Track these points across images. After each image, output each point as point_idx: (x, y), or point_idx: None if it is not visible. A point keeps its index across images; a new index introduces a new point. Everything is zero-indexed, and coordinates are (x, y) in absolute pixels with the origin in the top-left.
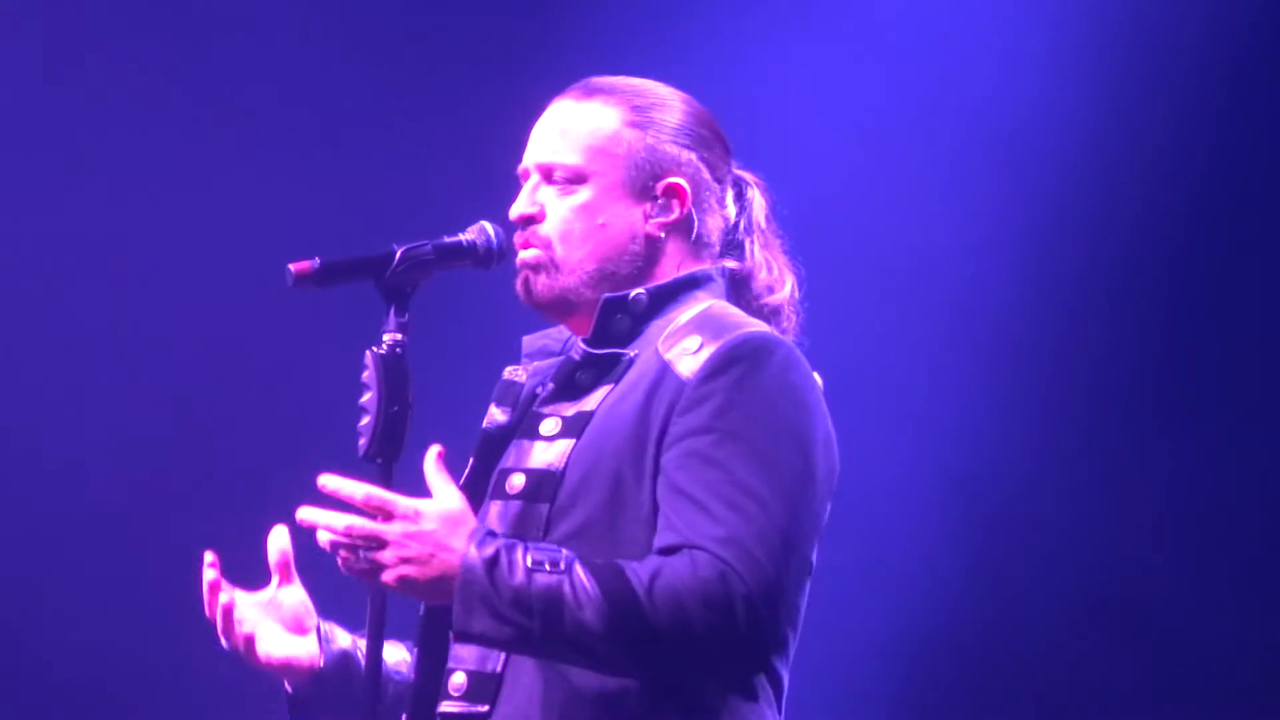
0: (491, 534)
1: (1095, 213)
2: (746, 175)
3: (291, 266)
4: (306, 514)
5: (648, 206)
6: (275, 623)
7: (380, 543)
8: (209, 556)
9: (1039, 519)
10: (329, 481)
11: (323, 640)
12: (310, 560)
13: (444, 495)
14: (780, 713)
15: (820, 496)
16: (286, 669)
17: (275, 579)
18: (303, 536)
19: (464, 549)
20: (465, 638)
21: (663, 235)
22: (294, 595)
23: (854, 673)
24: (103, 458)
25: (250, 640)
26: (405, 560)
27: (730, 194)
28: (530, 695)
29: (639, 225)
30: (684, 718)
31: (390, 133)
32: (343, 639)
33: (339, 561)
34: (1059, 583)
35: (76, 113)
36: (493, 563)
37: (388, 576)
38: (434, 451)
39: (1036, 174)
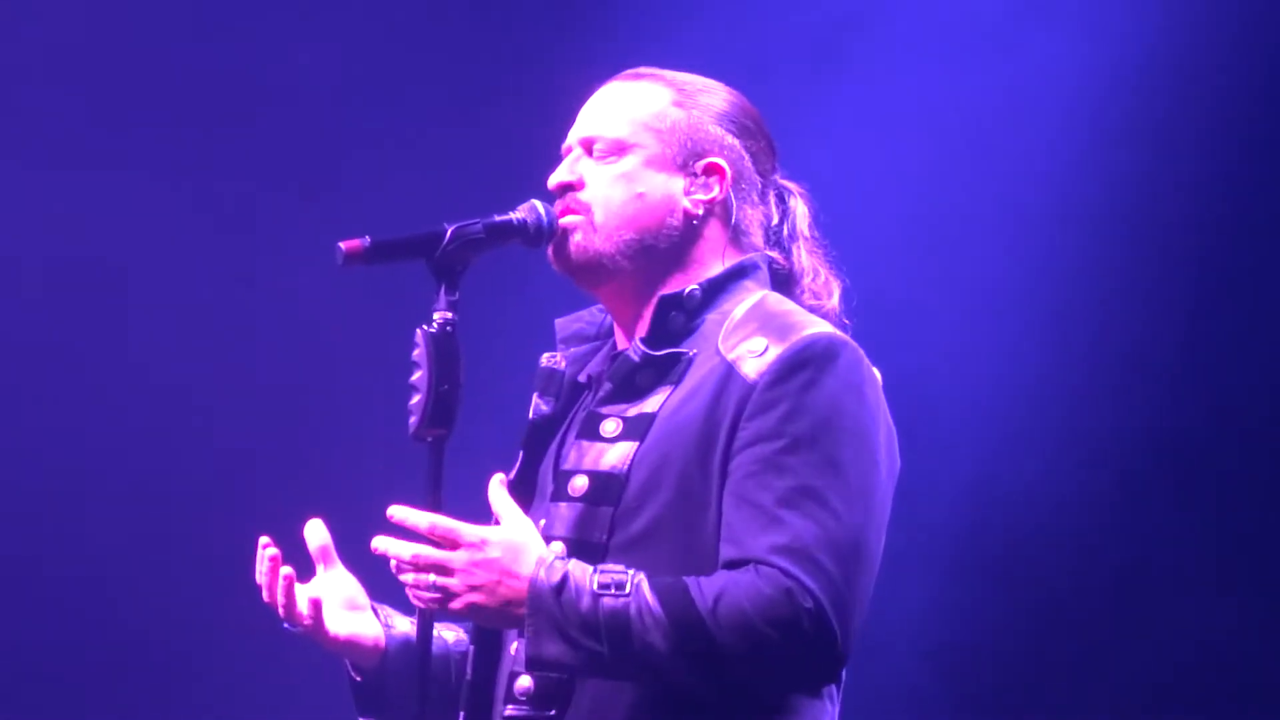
0: (560, 558)
1: (1130, 216)
2: (790, 185)
3: (342, 245)
4: (380, 543)
5: (686, 182)
6: (332, 604)
7: (447, 571)
8: (264, 539)
9: (1056, 519)
10: (397, 511)
11: (382, 623)
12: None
13: (511, 522)
14: (838, 702)
15: (885, 496)
16: (352, 646)
17: (320, 568)
18: (341, 527)
19: (531, 575)
20: (538, 663)
21: (700, 213)
22: (343, 580)
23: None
24: (143, 442)
25: (318, 608)
26: (472, 588)
27: (772, 195)
28: (599, 700)
29: (677, 199)
30: (750, 717)
31: (441, 112)
32: (401, 623)
33: (408, 593)
34: (1074, 580)
35: (107, 93)
36: (560, 588)
37: (456, 605)
38: (498, 479)
39: (1063, 180)
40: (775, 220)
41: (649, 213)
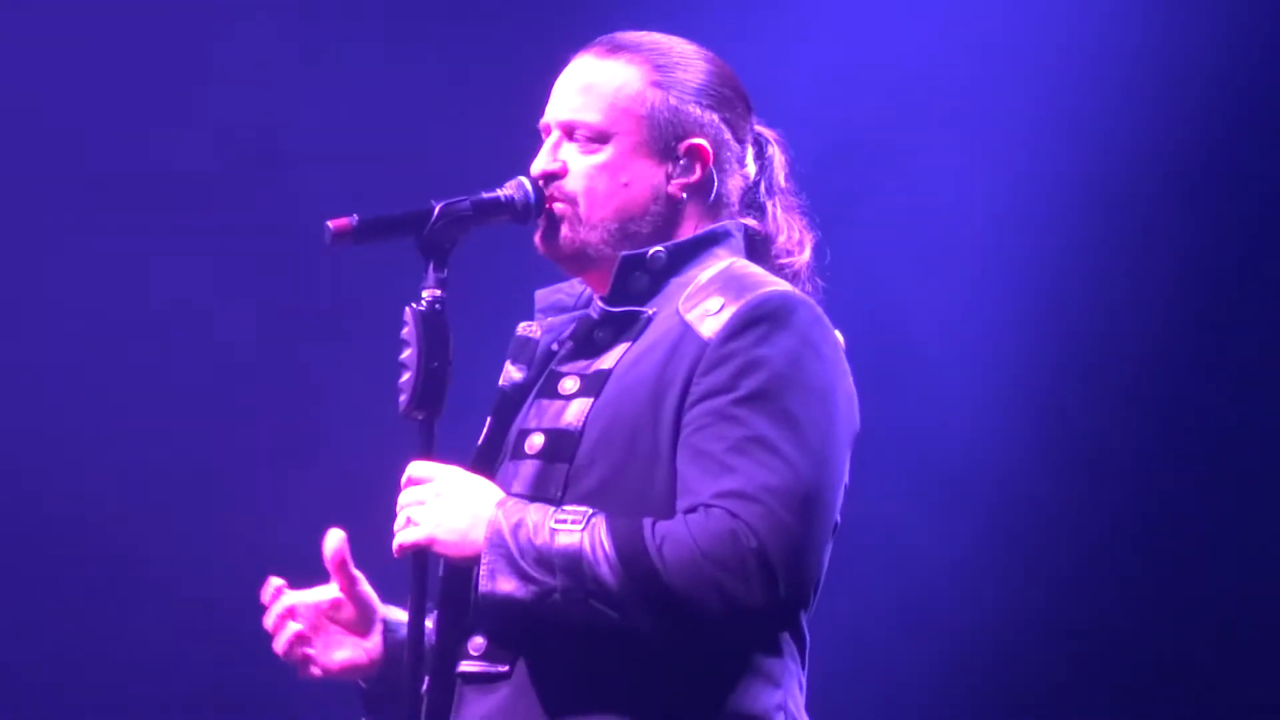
0: (520, 501)
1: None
2: (766, 132)
3: (330, 224)
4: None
5: (670, 167)
6: (337, 625)
7: (421, 499)
8: (275, 581)
9: (1043, 513)
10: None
11: (387, 633)
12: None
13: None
14: (804, 666)
15: (842, 453)
16: (349, 673)
17: (335, 582)
18: (335, 505)
19: (491, 510)
20: (490, 600)
21: (684, 195)
22: (356, 593)
23: (868, 668)
24: (137, 432)
25: (307, 659)
26: (440, 509)
27: (750, 152)
28: (551, 655)
29: (661, 185)
30: (707, 674)
31: (428, 89)
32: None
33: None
34: (1080, 578)
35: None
36: (518, 526)
37: (425, 527)
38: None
39: (1068, 165)
40: (753, 176)
41: (633, 201)
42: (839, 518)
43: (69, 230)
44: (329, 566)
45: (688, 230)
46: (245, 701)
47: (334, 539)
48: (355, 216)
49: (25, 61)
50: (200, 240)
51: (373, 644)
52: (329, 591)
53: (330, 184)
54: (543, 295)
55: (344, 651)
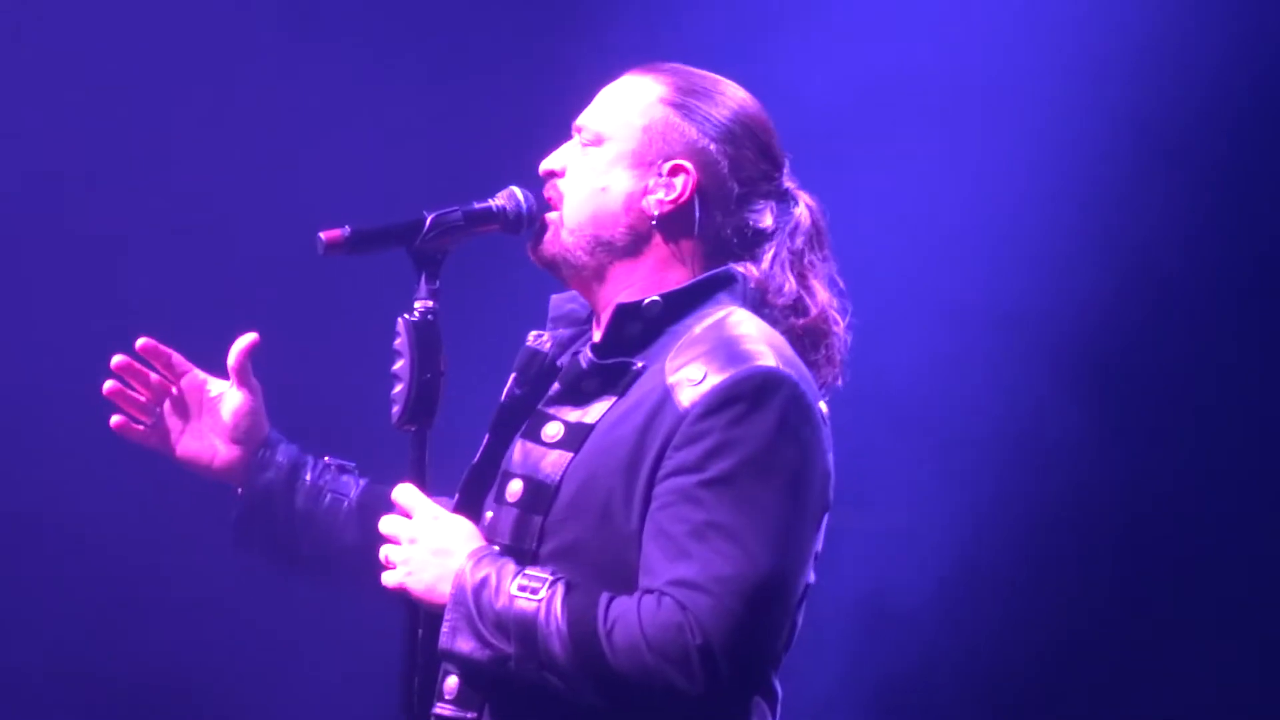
0: (491, 555)
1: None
2: (801, 194)
3: (322, 234)
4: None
5: (650, 181)
6: (213, 420)
7: (399, 539)
8: (142, 341)
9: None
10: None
11: (261, 452)
12: None
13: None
14: (775, 718)
15: (807, 538)
16: (190, 463)
17: (230, 382)
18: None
19: (461, 564)
20: (449, 656)
21: (658, 214)
22: (248, 400)
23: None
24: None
25: (134, 419)
26: (412, 556)
27: (771, 206)
28: (520, 706)
29: (635, 197)
30: None
31: (426, 98)
32: (276, 469)
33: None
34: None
35: (105, 67)
36: (481, 586)
37: (398, 574)
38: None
39: (1066, 164)
40: (767, 228)
41: (607, 208)
42: (814, 577)
43: (61, 235)
44: (230, 368)
45: (670, 258)
46: (246, 700)
47: (243, 341)
48: (347, 227)
49: (19, 61)
50: (193, 247)
51: (237, 453)
52: (221, 385)
53: (323, 193)
54: (557, 302)
55: (201, 440)
